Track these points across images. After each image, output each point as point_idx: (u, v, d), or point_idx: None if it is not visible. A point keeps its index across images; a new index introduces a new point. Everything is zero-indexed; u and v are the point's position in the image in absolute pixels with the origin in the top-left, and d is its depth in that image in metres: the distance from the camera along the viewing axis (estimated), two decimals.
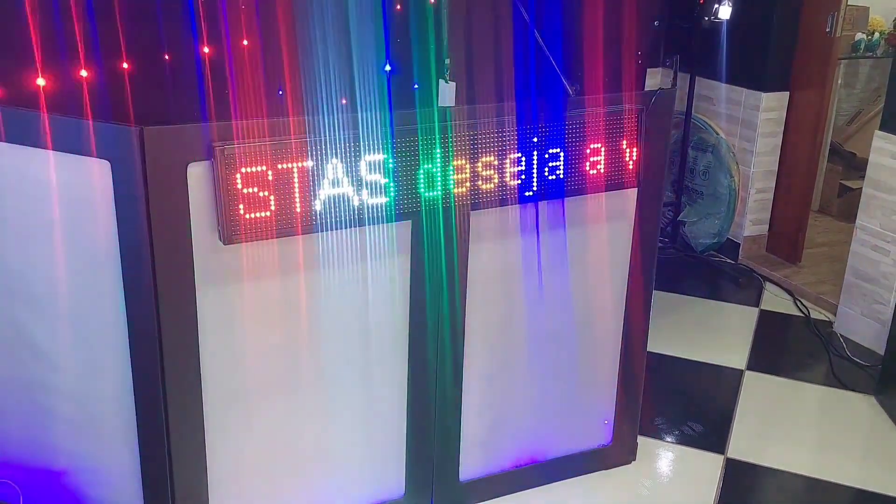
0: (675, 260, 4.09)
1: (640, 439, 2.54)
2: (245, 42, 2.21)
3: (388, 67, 2.50)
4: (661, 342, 3.19)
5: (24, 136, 1.71)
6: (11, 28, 2.17)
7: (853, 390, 3.01)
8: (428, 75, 2.46)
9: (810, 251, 4.06)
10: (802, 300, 3.73)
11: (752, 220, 4.05)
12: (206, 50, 2.25)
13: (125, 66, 2.33)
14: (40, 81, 2.18)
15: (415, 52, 2.37)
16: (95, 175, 1.66)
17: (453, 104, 2.42)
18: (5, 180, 1.78)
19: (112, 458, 1.93)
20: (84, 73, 2.24)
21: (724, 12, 3.23)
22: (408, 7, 2.32)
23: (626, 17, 2.85)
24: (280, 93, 2.33)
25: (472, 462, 2.26)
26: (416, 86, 2.53)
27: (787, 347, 3.40)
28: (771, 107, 3.88)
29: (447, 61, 2.43)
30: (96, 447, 1.94)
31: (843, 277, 3.40)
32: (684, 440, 2.69)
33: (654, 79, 3.78)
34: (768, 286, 3.88)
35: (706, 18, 3.33)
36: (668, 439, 2.69)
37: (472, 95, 2.40)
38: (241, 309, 1.80)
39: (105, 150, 1.64)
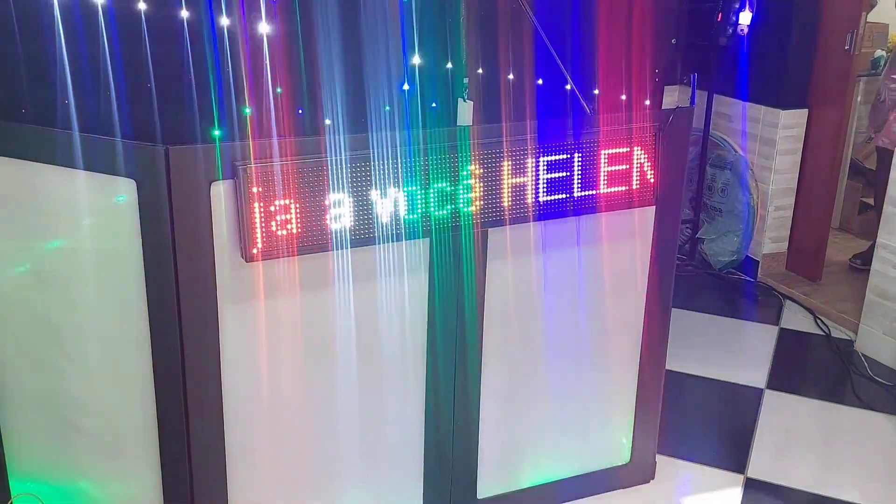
0: (694, 277, 4.08)
1: (659, 458, 2.53)
2: (266, 62, 2.24)
3: (406, 86, 2.53)
4: (680, 360, 3.18)
5: (52, 154, 1.75)
6: (38, 47, 2.22)
7: (875, 410, 2.98)
8: (446, 94, 2.49)
9: (830, 269, 4.04)
10: (823, 318, 3.70)
11: (772, 238, 4.04)
12: (227, 69, 2.28)
13: (149, 84, 2.36)
14: (68, 100, 2.22)
15: (432, 71, 2.40)
16: (121, 194, 1.69)
17: (471, 123, 2.44)
18: (32, 198, 1.81)
19: (134, 474, 1.95)
20: (108, 91, 2.28)
21: (745, 18, 3.20)
22: (426, 26, 2.35)
23: (644, 34, 2.86)
24: (300, 112, 2.36)
25: (490, 480, 2.26)
26: (434, 105, 2.55)
27: (808, 366, 3.37)
28: (790, 124, 3.87)
29: (465, 80, 2.46)
30: (119, 463, 1.96)
31: (864, 295, 3.37)
32: (704, 459, 2.67)
33: (672, 96, 3.79)
34: (788, 304, 3.86)
35: (723, 38, 3.34)
36: (688, 458, 2.67)
37: (490, 114, 2.41)
38: (262, 326, 1.82)
39: (131, 169, 1.67)
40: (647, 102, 3.08)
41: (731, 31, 3.34)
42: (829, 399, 3.07)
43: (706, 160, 4.02)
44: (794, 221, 4.06)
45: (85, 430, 1.96)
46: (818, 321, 3.69)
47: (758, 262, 4.06)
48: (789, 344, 3.50)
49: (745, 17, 3.12)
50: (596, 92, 2.87)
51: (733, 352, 3.41)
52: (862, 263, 3.86)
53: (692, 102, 2.22)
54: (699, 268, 4.13)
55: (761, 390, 3.12)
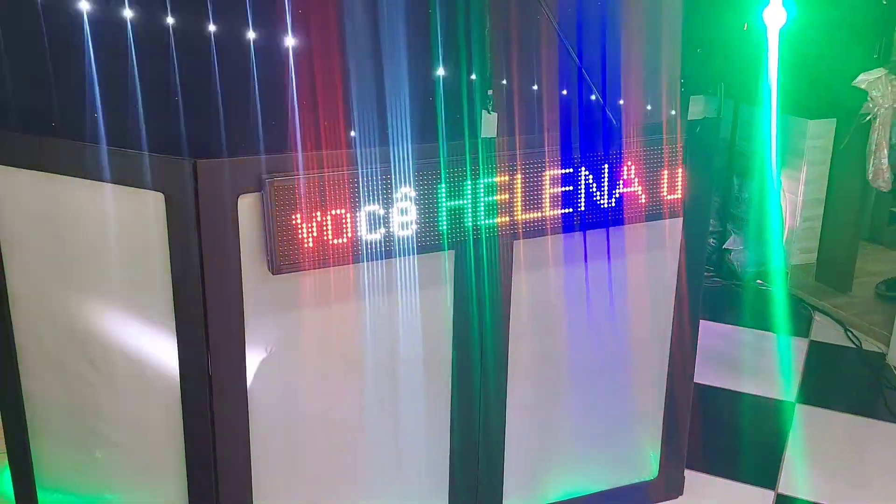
0: (721, 289, 4.03)
1: (688, 473, 2.49)
2: (292, 74, 2.25)
3: (430, 98, 2.53)
4: (708, 373, 3.14)
5: (81, 168, 1.77)
6: (67, 61, 2.24)
7: None
8: (470, 105, 2.48)
9: (861, 280, 3.97)
10: (853, 330, 3.64)
11: (801, 249, 3.98)
12: (254, 82, 2.30)
13: (176, 97, 2.38)
14: (95, 114, 2.24)
15: (458, 82, 2.39)
16: (150, 207, 1.71)
17: (496, 135, 2.43)
18: (61, 211, 1.83)
19: (160, 486, 1.96)
20: (135, 104, 2.30)
21: (774, 21, 3.12)
22: (450, 37, 2.35)
23: (670, 44, 2.84)
24: (325, 124, 2.36)
25: (516, 494, 2.24)
26: (457, 116, 2.55)
27: (839, 379, 3.31)
28: (818, 134, 3.82)
29: (490, 92, 2.45)
30: (145, 474, 1.96)
31: None
32: (733, 474, 2.63)
33: (698, 105, 3.76)
34: (818, 316, 3.80)
35: (747, 47, 3.30)
36: (717, 473, 2.63)
37: (514, 126, 2.41)
38: (288, 338, 1.83)
39: (159, 183, 1.68)
40: (673, 112, 3.05)
41: (756, 39, 3.31)
42: (861, 413, 3.02)
43: (733, 170, 3.98)
44: (824, 232, 4.01)
45: (112, 442, 1.97)
46: (849, 333, 3.62)
47: (787, 273, 4.00)
48: (819, 357, 3.44)
49: (775, 19, 3.06)
50: (621, 102, 2.85)
51: (762, 364, 3.36)
52: (887, 289, 3.78)
53: (719, 112, 2.20)
54: (726, 279, 4.09)
55: (791, 404, 3.07)
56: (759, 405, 3.08)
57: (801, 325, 3.74)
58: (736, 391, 3.15)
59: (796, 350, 3.43)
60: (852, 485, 2.59)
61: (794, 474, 2.64)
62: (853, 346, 3.54)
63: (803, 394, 3.14)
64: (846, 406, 3.06)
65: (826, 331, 3.67)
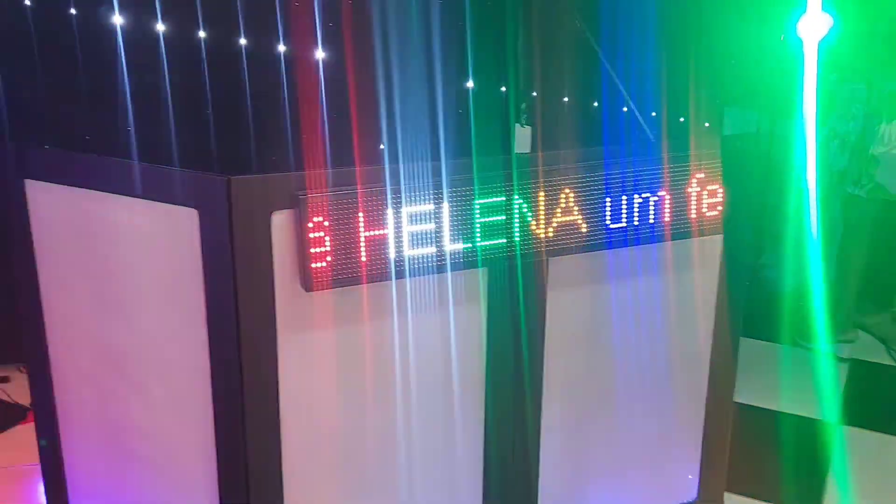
0: (756, 305, 3.94)
1: (728, 496, 2.43)
2: (323, 90, 2.25)
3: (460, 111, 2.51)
4: (747, 392, 3.07)
5: (114, 183, 1.77)
6: (101, 76, 2.26)
7: None
8: (502, 120, 2.46)
9: None
10: None
11: None
12: (285, 98, 2.30)
13: (208, 112, 2.39)
14: (128, 129, 2.26)
15: (489, 96, 2.37)
16: (183, 223, 1.70)
17: (529, 150, 2.40)
18: (94, 226, 1.83)
19: (191, 501, 1.94)
20: (168, 120, 2.31)
21: (816, 29, 3.05)
22: (483, 52, 2.33)
23: (704, 56, 2.80)
24: (358, 140, 2.35)
25: None
26: (488, 129, 2.53)
27: (881, 399, 3.22)
28: None
29: (523, 106, 2.43)
30: (176, 489, 1.95)
31: None
32: (775, 498, 2.55)
33: (733, 117, 3.69)
34: (859, 333, 3.70)
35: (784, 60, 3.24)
36: (758, 496, 2.55)
37: (548, 140, 2.38)
38: (321, 356, 1.80)
39: (192, 199, 1.67)
40: (707, 125, 3.00)
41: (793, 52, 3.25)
42: None
43: (769, 184, 3.89)
44: None
45: (143, 456, 1.96)
46: (891, 351, 3.52)
47: (827, 289, 3.90)
48: (861, 375, 3.35)
49: (812, 31, 2.99)
50: (654, 114, 2.80)
51: (802, 383, 3.28)
52: None
53: (759, 127, 2.16)
54: (762, 294, 4.00)
55: (834, 424, 2.98)
56: (800, 425, 3.00)
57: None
58: (776, 410, 3.07)
59: (837, 368, 3.33)
60: None
61: (839, 498, 2.56)
62: (894, 364, 3.44)
63: (846, 414, 3.05)
64: (891, 427, 2.96)
65: (867, 349, 3.58)
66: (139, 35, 2.15)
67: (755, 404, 3.08)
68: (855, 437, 2.91)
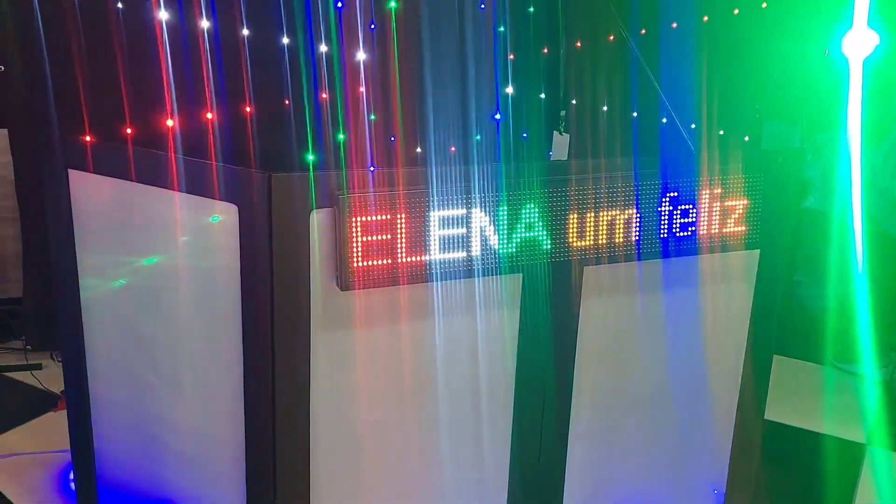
0: (789, 322, 3.89)
1: None
2: (362, 89, 2.25)
3: (497, 115, 2.50)
4: (776, 409, 3.03)
5: (155, 176, 1.79)
6: (142, 70, 2.29)
7: None
8: (540, 125, 2.45)
9: None
10: None
11: None
12: (324, 97, 2.31)
13: (248, 109, 2.41)
14: (170, 122, 2.28)
15: (530, 103, 2.37)
16: (223, 218, 1.71)
17: (566, 157, 2.39)
18: (133, 217, 1.86)
19: (218, 495, 1.96)
20: (209, 115, 2.33)
21: (864, 42, 2.98)
22: (523, 57, 2.32)
23: (745, 69, 2.77)
24: (392, 139, 2.36)
25: None
26: (524, 135, 2.52)
27: None
28: None
29: (563, 113, 2.42)
30: (204, 483, 1.96)
31: None
32: None
33: (769, 131, 3.65)
34: (893, 355, 3.63)
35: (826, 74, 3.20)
36: None
37: (586, 148, 2.37)
38: (354, 355, 1.81)
39: (233, 195, 1.68)
40: (746, 139, 2.97)
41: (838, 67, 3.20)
42: None
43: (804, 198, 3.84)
44: None
45: (173, 449, 1.98)
46: None
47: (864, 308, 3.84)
48: (893, 397, 3.29)
49: (858, 48, 2.94)
50: (693, 126, 2.78)
51: (833, 402, 3.23)
52: None
53: (802, 142, 2.13)
54: (795, 311, 3.95)
55: (863, 445, 2.93)
56: (829, 445, 2.96)
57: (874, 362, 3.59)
58: (805, 429, 3.03)
59: (869, 389, 3.28)
60: None
61: None
62: None
63: (876, 435, 3.00)
64: None
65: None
66: (182, 28, 2.17)
67: (783, 421, 3.04)
68: (883, 458, 2.86)
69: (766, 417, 2.32)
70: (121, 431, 2.07)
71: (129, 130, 2.27)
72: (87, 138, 1.93)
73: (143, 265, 1.89)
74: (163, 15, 2.13)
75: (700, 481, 2.30)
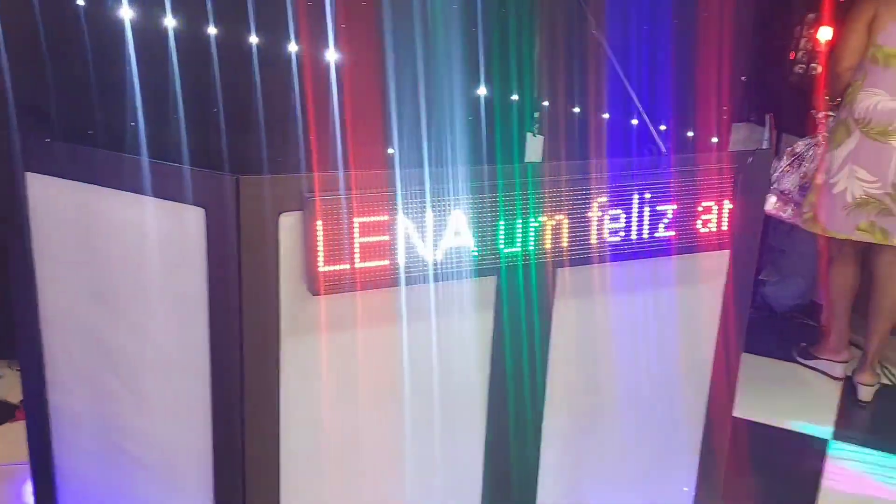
0: (756, 321, 3.94)
1: None
2: (333, 92, 2.22)
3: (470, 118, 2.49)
4: (743, 407, 3.06)
5: (119, 179, 1.74)
6: (108, 71, 2.23)
7: None
8: (514, 128, 2.44)
9: None
10: (890, 367, 3.54)
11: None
12: (294, 99, 2.27)
13: (216, 110, 2.36)
14: (134, 125, 2.23)
15: (501, 104, 2.35)
16: (189, 221, 1.67)
17: (540, 158, 2.38)
18: (97, 222, 1.80)
19: None
20: (176, 117, 2.28)
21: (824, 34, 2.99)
22: (497, 59, 2.31)
23: (714, 71, 2.79)
24: (364, 143, 2.33)
25: None
26: (498, 137, 2.51)
27: (876, 417, 3.22)
28: None
29: (536, 115, 2.41)
30: (171, 493, 1.92)
31: None
32: None
33: (738, 134, 3.70)
34: (855, 351, 3.70)
35: (794, 76, 3.25)
36: None
37: (560, 150, 2.36)
38: (325, 361, 1.78)
39: (200, 198, 1.64)
40: (715, 140, 3.00)
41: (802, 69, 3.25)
42: None
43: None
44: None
45: (139, 459, 1.93)
46: (885, 369, 3.53)
47: (822, 306, 3.91)
48: (856, 393, 3.35)
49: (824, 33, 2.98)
50: (663, 127, 2.80)
51: (798, 399, 3.28)
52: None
53: (768, 143, 2.15)
54: (761, 311, 4.00)
55: (826, 441, 2.98)
56: (794, 441, 3.00)
57: None
58: (770, 425, 3.07)
59: (832, 385, 3.34)
60: None
61: None
62: (891, 383, 3.45)
63: (839, 430, 3.05)
64: (882, 444, 2.97)
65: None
66: (148, 30, 2.12)
67: (749, 418, 3.07)
68: (847, 452, 2.91)
69: (734, 415, 2.34)
70: (82, 442, 2.01)
71: (91, 132, 2.21)
72: (47, 140, 1.88)
73: (107, 270, 1.84)
74: (127, 13, 2.08)
75: (670, 480, 2.32)
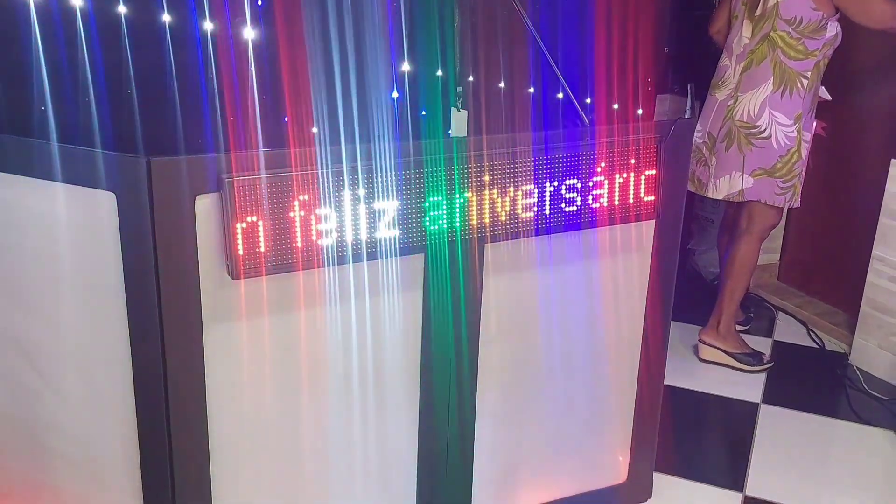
0: (684, 289, 4.02)
1: (656, 476, 2.47)
2: (252, 69, 2.16)
3: (395, 94, 2.45)
4: (673, 374, 3.13)
5: (27, 165, 1.66)
6: (14, 52, 2.13)
7: (871, 424, 2.94)
8: (437, 102, 2.41)
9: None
10: (816, 331, 3.66)
11: (763, 249, 3.99)
12: (212, 77, 2.20)
13: (129, 92, 2.28)
14: (42, 108, 2.13)
15: (425, 79, 2.32)
16: (100, 207, 1.61)
17: (465, 133, 2.37)
18: (4, 211, 1.72)
19: (113, 499, 1.86)
20: (86, 99, 2.19)
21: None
22: (419, 33, 2.28)
23: (637, 43, 2.81)
24: (285, 120, 2.28)
25: (486, 502, 2.18)
26: (423, 112, 2.49)
27: (803, 380, 3.33)
28: None
29: (459, 89, 2.39)
30: (98, 490, 1.86)
31: (859, 308, 3.34)
32: (701, 477, 2.62)
33: (662, 105, 3.75)
34: (780, 316, 3.82)
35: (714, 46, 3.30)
36: (685, 476, 2.61)
37: (484, 124, 2.35)
38: (250, 346, 1.74)
39: (110, 182, 1.58)
40: (640, 112, 3.03)
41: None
42: (825, 413, 3.03)
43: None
44: (787, 232, 4.03)
45: (62, 456, 1.87)
46: (811, 333, 3.65)
47: None
48: (783, 357, 3.46)
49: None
50: (588, 101, 2.81)
51: (725, 365, 3.36)
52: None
53: (691, 113, 2.17)
54: (689, 279, 4.09)
55: (756, 405, 3.07)
56: (724, 406, 3.08)
57: (764, 324, 3.76)
58: (700, 391, 3.14)
59: (759, 350, 3.43)
60: (818, 485, 2.59)
61: (761, 476, 2.63)
62: (816, 346, 3.56)
63: (768, 394, 3.14)
64: (810, 406, 3.07)
65: (788, 331, 3.69)
66: (54, 6, 2.02)
67: (680, 385, 3.14)
68: (776, 415, 3.00)
69: (666, 383, 2.39)
70: (8, 442, 1.93)
71: None
72: None
73: (17, 261, 1.76)
74: None
75: (605, 450, 2.35)
